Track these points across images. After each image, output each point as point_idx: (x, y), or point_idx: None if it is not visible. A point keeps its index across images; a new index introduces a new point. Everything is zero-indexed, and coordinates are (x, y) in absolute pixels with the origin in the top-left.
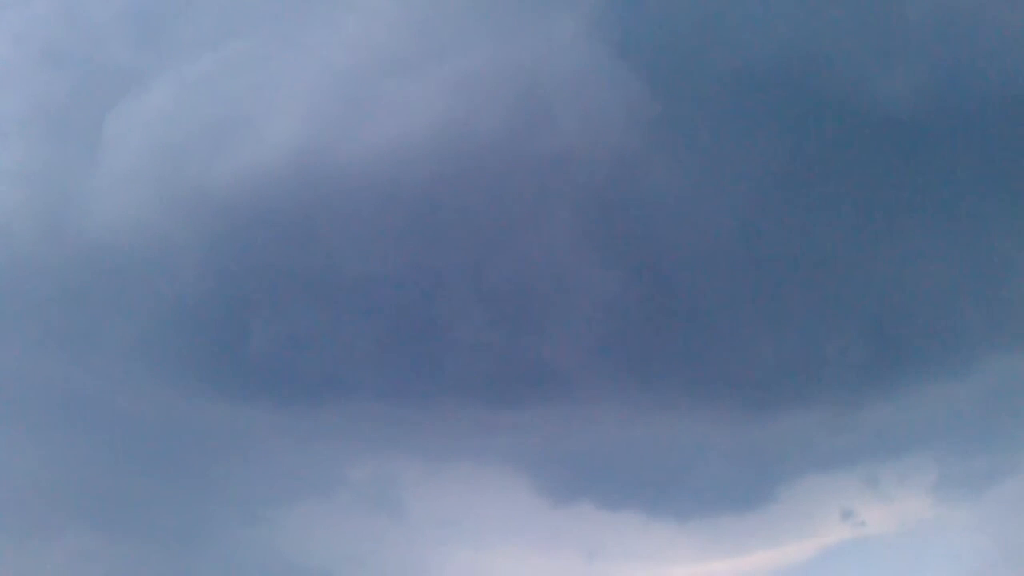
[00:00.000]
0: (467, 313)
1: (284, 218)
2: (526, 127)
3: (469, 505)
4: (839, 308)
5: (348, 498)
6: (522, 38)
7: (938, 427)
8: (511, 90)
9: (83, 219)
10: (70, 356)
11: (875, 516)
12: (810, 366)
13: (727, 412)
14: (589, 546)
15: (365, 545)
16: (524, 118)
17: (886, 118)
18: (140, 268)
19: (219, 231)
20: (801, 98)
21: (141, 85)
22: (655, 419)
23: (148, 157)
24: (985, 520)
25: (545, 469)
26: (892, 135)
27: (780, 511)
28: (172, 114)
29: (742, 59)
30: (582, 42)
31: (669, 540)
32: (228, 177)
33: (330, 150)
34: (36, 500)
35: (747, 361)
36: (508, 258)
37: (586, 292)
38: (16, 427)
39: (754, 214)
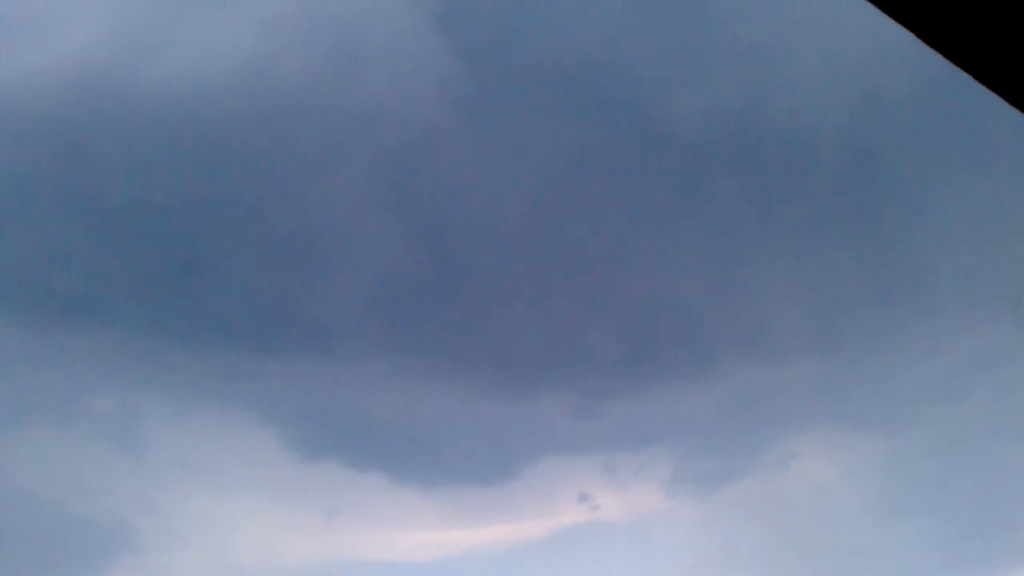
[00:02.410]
0: (238, 255)
1: (59, 129)
2: (332, 80)
3: (213, 450)
4: (603, 305)
5: (87, 428)
6: None
7: (678, 427)
8: (322, 40)
9: None
10: None
11: (610, 502)
12: (568, 354)
13: (484, 389)
14: (332, 504)
15: (100, 478)
16: (331, 70)
17: (675, 137)
18: None
19: None
20: (603, 104)
21: None
22: (413, 387)
23: None
24: (710, 517)
25: (296, 423)
26: (677, 153)
27: (521, 488)
28: None
29: (554, 56)
30: (402, 7)
31: (412, 505)
32: (7, 76)
33: (124, 68)
34: None
35: (511, 343)
36: (291, 206)
37: (365, 253)
38: None
39: (541, 205)
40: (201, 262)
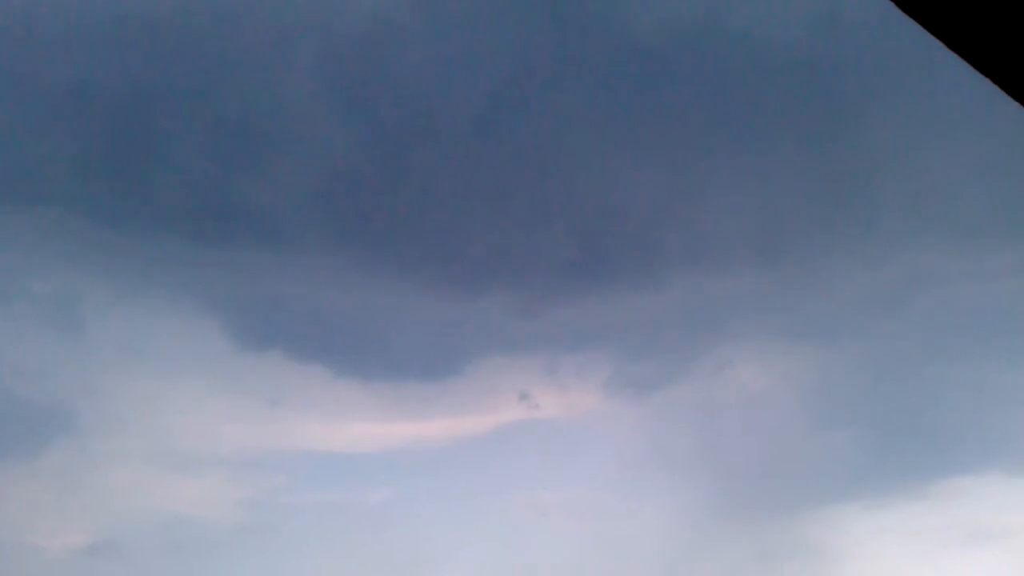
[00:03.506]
0: (186, 141)
1: (3, 9)
2: None
3: (155, 336)
4: (553, 209)
5: (27, 309)
6: None
7: (619, 331)
8: None
9: None
10: None
11: (549, 401)
12: (515, 256)
13: (430, 285)
14: (273, 393)
15: (40, 359)
16: None
17: (632, 43)
18: None
19: None
20: (559, 11)
21: None
22: (359, 281)
23: None
24: (644, 418)
25: (239, 312)
26: (633, 60)
27: (463, 385)
28: None
29: None
30: None
31: (352, 398)
32: None
33: None
34: None
35: (461, 242)
36: (242, 95)
37: (316, 144)
38: None
39: (495, 106)
40: (147, 147)
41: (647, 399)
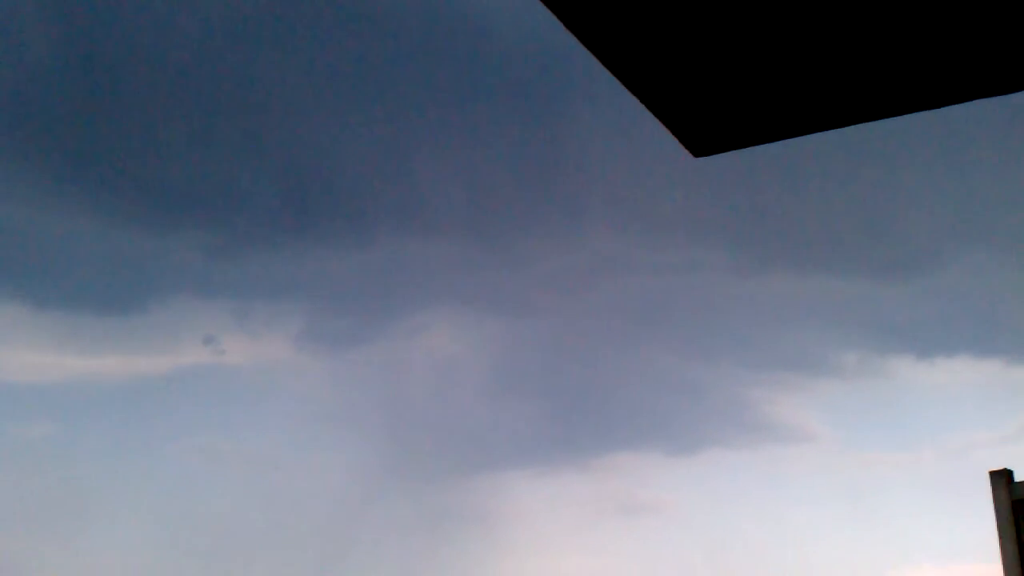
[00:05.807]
0: None
1: None
2: None
3: None
4: (262, 152)
5: None
6: None
7: (318, 284)
8: None
9: None
10: None
11: (236, 348)
12: (216, 197)
13: (120, 214)
14: None
15: None
16: None
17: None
18: None
19: None
20: None
21: None
22: (40, 200)
23: None
24: (333, 374)
25: None
26: (366, 19)
27: (143, 322)
28: None
29: None
30: None
31: (19, 323)
32: None
33: None
34: None
35: (159, 173)
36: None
37: (11, 46)
38: None
39: (213, 40)
40: None
41: (339, 355)
